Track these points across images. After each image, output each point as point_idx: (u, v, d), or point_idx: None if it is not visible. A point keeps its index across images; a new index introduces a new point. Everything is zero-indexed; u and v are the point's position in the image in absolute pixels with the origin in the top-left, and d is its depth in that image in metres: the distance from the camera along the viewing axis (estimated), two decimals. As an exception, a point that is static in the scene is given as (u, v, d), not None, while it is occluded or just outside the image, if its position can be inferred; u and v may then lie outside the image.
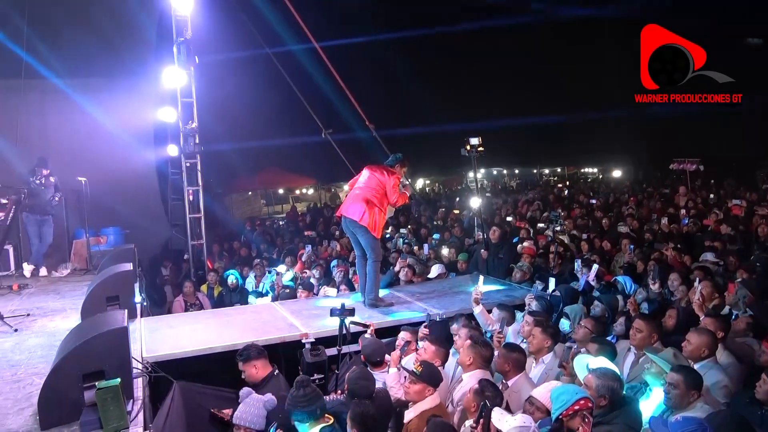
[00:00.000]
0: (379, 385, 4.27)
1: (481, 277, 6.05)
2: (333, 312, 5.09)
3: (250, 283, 9.32)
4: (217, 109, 14.63)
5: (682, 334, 4.58)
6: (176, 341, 5.43)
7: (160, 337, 5.58)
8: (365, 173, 6.54)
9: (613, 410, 3.57)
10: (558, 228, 9.11)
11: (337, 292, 7.48)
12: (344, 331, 5.02)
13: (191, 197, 11.69)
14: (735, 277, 6.10)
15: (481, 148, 8.12)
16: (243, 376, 4.56)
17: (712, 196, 14.05)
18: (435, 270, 8.33)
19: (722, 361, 4.34)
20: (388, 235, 11.12)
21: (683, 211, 11.12)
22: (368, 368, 4.57)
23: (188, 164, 11.62)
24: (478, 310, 5.70)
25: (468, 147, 8.13)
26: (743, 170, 19.29)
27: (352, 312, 5.07)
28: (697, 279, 5.69)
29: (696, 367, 4.17)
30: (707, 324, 4.59)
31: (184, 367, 5.03)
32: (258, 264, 9.92)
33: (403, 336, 5.10)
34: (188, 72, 11.41)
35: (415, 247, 9.91)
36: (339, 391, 4.59)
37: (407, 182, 6.81)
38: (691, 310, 5.22)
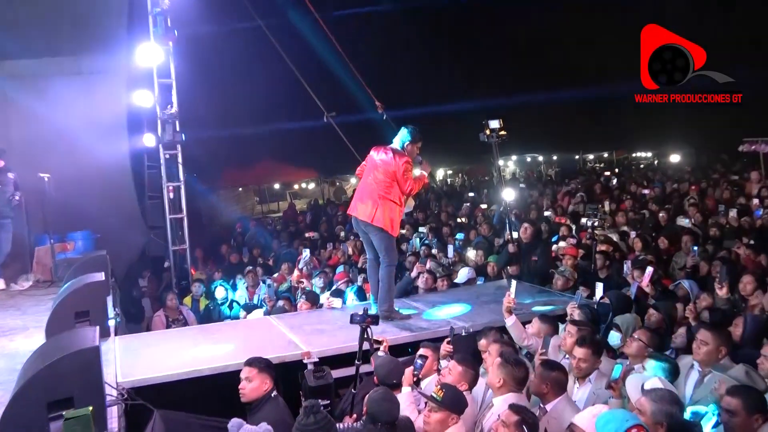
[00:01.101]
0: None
1: (514, 282, 6.01)
2: (353, 319, 5.12)
3: (241, 295, 9.38)
4: (201, 92, 14.64)
5: (752, 347, 4.59)
6: (156, 363, 5.44)
7: (138, 358, 5.61)
8: (373, 157, 6.54)
9: (672, 440, 3.53)
10: (596, 223, 9.06)
11: (343, 303, 7.54)
12: (366, 343, 5.03)
13: (171, 195, 11.69)
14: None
15: (503, 132, 8.03)
16: (241, 387, 4.56)
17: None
18: (463, 274, 8.29)
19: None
20: (403, 234, 11.10)
21: (756, 201, 10.96)
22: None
23: (167, 156, 11.62)
24: (510, 321, 5.63)
25: (487, 131, 8.05)
26: None
27: (375, 320, 5.08)
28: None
29: (775, 386, 4.16)
30: (788, 333, 4.54)
31: (166, 394, 5.03)
32: (251, 272, 9.94)
33: (423, 353, 5.11)
34: (166, 48, 11.44)
35: (435, 250, 9.91)
36: (354, 416, 4.61)
37: (421, 160, 6.68)
38: (765, 319, 5.21)
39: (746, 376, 4.12)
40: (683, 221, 9.91)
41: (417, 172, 6.64)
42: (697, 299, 6.27)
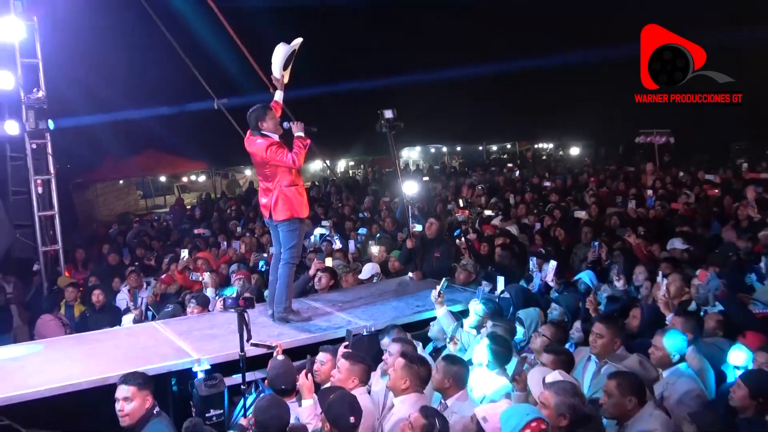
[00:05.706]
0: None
1: (444, 280, 6.23)
2: (226, 303, 5.03)
3: (123, 300, 9.09)
4: (73, 72, 13.90)
5: (648, 336, 4.88)
6: (24, 378, 5.20)
7: (5, 373, 5.36)
8: (248, 150, 6.50)
9: (574, 430, 3.80)
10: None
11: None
12: (246, 330, 4.94)
13: (41, 189, 11.25)
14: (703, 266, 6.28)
15: (398, 123, 8.06)
16: (119, 409, 4.19)
17: (681, 174, 14.93)
18: (367, 270, 8.43)
19: (694, 366, 4.63)
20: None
21: (650, 192, 11.72)
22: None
23: (35, 146, 11.16)
24: (441, 311, 5.94)
25: (382, 121, 8.09)
26: (715, 144, 20.31)
27: (251, 303, 4.97)
28: (661, 272, 6.07)
29: (665, 374, 4.56)
30: (676, 324, 4.91)
31: (37, 412, 4.81)
32: (133, 273, 9.65)
33: (322, 358, 5.09)
34: (30, 23, 10.92)
35: (335, 245, 9.98)
36: (245, 417, 4.48)
37: (289, 124, 6.40)
38: (658, 308, 5.60)
39: (639, 365, 4.43)
40: (580, 213, 10.42)
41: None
42: (597, 291, 6.59)
